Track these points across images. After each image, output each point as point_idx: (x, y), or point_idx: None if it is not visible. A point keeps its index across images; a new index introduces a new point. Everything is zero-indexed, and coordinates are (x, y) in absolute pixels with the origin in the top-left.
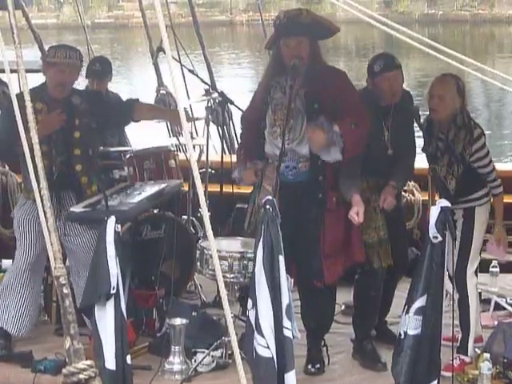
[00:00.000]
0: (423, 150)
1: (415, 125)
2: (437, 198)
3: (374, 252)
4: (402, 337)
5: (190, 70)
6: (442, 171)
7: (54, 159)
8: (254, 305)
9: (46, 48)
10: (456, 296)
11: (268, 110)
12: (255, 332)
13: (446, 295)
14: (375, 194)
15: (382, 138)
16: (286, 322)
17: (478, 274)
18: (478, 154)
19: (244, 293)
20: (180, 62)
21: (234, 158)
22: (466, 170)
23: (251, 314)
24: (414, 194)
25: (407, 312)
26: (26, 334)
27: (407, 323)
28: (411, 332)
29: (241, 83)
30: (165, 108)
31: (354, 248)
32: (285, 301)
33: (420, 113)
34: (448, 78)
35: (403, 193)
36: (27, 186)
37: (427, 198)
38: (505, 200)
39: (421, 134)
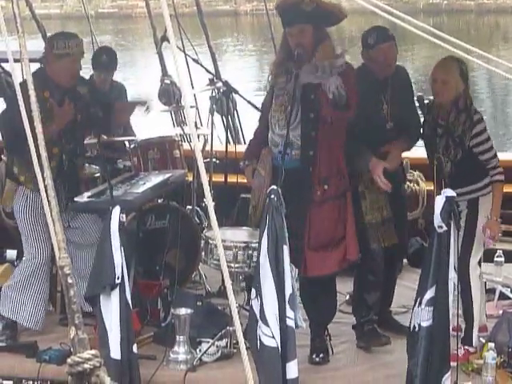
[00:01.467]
0: (422, 137)
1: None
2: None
3: (375, 234)
4: (417, 329)
5: (194, 60)
6: (438, 153)
7: (63, 148)
8: (258, 294)
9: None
10: (459, 286)
11: (273, 98)
12: (260, 321)
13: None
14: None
15: (380, 112)
16: (289, 312)
17: (483, 264)
18: (477, 138)
19: (249, 282)
20: (184, 52)
21: (239, 148)
22: (467, 157)
23: (255, 304)
24: (418, 184)
25: (420, 304)
26: (41, 327)
27: (420, 315)
28: (424, 324)
29: (245, 73)
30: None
31: (349, 246)
32: (288, 290)
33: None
34: (450, 61)
35: (408, 183)
36: (32, 176)
37: (432, 187)
38: (506, 190)
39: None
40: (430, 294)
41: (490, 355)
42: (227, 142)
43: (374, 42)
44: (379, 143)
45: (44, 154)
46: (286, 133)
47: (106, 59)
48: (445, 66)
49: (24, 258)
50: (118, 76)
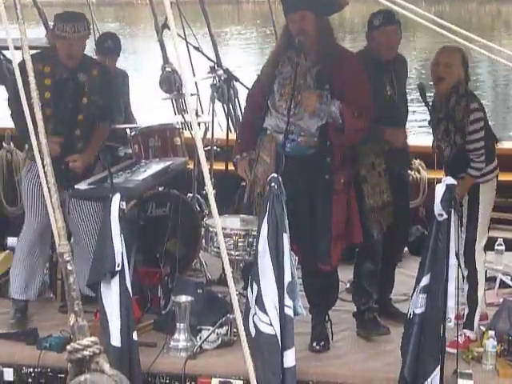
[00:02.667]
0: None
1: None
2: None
3: (375, 218)
4: (411, 317)
5: (195, 47)
6: (437, 138)
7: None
8: (255, 281)
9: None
10: (465, 272)
11: (275, 84)
12: (256, 309)
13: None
14: (379, 158)
15: (384, 93)
16: (287, 301)
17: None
18: (475, 125)
19: (247, 271)
20: (185, 39)
21: None
22: (465, 145)
23: (249, 292)
24: (419, 172)
25: (416, 291)
26: (34, 297)
27: (414, 303)
28: (417, 311)
29: (246, 60)
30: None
31: (354, 229)
32: (287, 279)
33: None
34: (453, 48)
35: (409, 171)
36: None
37: (433, 175)
38: (505, 178)
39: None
40: (424, 281)
41: (490, 343)
42: (228, 129)
43: (379, 24)
44: (389, 118)
45: (44, 141)
46: (293, 121)
47: (110, 44)
48: (447, 50)
49: (23, 229)
50: (119, 63)
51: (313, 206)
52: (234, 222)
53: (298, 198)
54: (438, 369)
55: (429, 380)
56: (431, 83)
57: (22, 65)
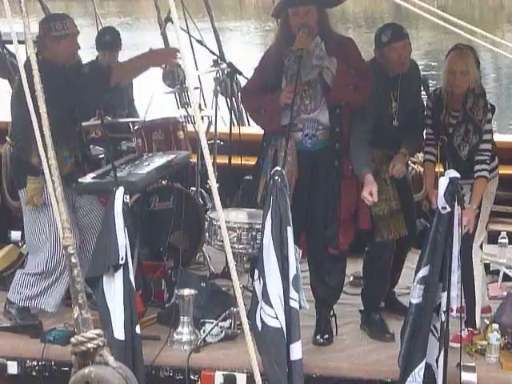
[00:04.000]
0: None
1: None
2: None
3: (384, 224)
4: (407, 306)
5: (198, 41)
6: (456, 140)
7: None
8: (261, 275)
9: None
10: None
11: (283, 81)
12: (262, 302)
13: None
14: (384, 164)
15: (389, 109)
16: (293, 293)
17: (487, 246)
18: (489, 125)
19: (253, 264)
20: (188, 33)
21: (243, 130)
22: (478, 145)
23: (257, 285)
24: (423, 166)
25: (414, 281)
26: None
27: (412, 292)
28: (414, 301)
29: (249, 53)
30: (141, 54)
31: (361, 215)
32: (292, 272)
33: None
34: (466, 51)
35: (412, 164)
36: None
37: (436, 169)
38: (508, 171)
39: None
40: (423, 272)
41: (494, 336)
42: (231, 123)
43: (387, 40)
44: (384, 141)
45: (48, 133)
46: (312, 116)
47: (109, 39)
48: (462, 56)
49: (44, 248)
50: (122, 57)
51: (325, 192)
52: (237, 216)
53: (314, 189)
54: (424, 363)
55: (416, 370)
56: (434, 72)
57: (28, 65)
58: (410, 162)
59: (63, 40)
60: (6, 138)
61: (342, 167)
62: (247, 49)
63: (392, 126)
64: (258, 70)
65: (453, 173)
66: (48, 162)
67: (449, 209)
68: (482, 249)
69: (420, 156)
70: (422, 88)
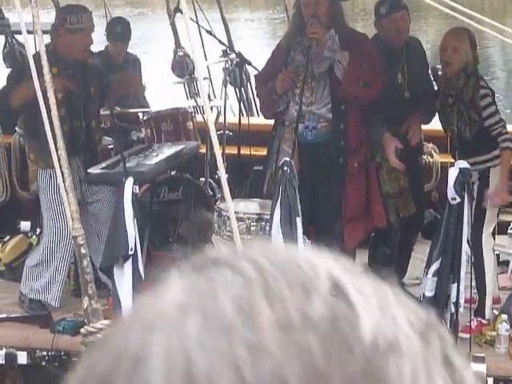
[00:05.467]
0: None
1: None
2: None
3: (392, 204)
4: (421, 299)
5: (207, 31)
6: (456, 121)
7: (77, 123)
8: None
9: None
10: (472, 258)
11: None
12: None
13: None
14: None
15: (395, 81)
16: None
17: (497, 236)
18: (485, 100)
19: None
20: (197, 23)
21: (252, 120)
22: (477, 123)
23: None
24: (432, 156)
25: (426, 274)
26: (58, 303)
27: (425, 285)
28: (428, 293)
29: (258, 43)
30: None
31: (374, 212)
32: None
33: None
34: (461, 30)
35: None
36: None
37: (446, 159)
38: None
39: None
40: (436, 265)
41: (504, 327)
42: (240, 113)
43: (386, 12)
44: (397, 113)
45: (57, 123)
46: (311, 109)
47: (120, 30)
48: (455, 33)
49: (44, 237)
50: (131, 47)
51: (328, 188)
52: (246, 206)
53: (316, 183)
54: None
55: None
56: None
57: (37, 57)
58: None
59: (77, 34)
60: (16, 128)
61: (347, 164)
62: (256, 39)
63: (404, 98)
64: (269, 60)
65: (462, 163)
66: (57, 152)
67: (459, 199)
68: (494, 238)
69: (429, 146)
70: (433, 78)
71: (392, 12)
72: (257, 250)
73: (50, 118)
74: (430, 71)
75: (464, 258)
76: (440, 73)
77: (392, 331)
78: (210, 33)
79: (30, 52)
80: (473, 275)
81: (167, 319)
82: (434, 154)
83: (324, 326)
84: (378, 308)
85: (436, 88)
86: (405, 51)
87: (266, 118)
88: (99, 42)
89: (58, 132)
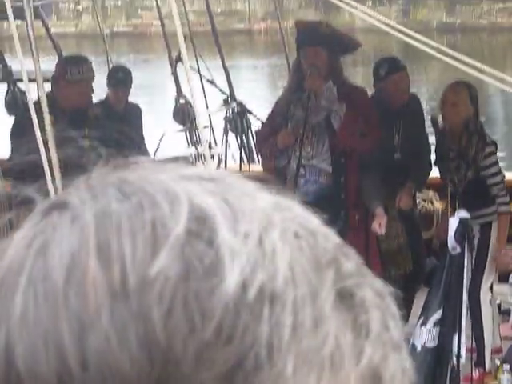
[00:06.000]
0: (435, 163)
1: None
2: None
3: (392, 260)
4: (419, 349)
5: (208, 81)
6: (455, 178)
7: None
8: None
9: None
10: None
11: (287, 126)
12: None
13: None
14: (392, 200)
15: (391, 142)
16: None
17: (499, 285)
18: (489, 159)
19: None
20: (199, 72)
21: (253, 167)
22: (479, 179)
23: None
24: (433, 203)
25: (424, 324)
26: None
27: (424, 336)
28: (429, 344)
29: (259, 91)
30: None
31: (371, 260)
32: None
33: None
34: (460, 84)
35: (423, 202)
36: None
37: (446, 207)
38: None
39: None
40: (437, 315)
41: (505, 377)
42: (241, 160)
43: (385, 73)
44: (385, 174)
45: (58, 175)
46: (312, 163)
47: (121, 76)
48: (454, 88)
49: None
50: (132, 95)
51: None
52: None
53: None
54: None
55: None
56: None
57: (38, 105)
58: (419, 200)
59: (77, 84)
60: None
61: (348, 217)
62: (257, 85)
63: (393, 160)
64: (269, 116)
65: (463, 213)
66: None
67: (459, 249)
68: (492, 291)
69: (430, 193)
70: (432, 126)
71: (391, 73)
72: (111, 184)
73: (51, 172)
74: (428, 123)
75: (465, 308)
76: (440, 122)
77: (268, 276)
78: (211, 82)
79: (31, 99)
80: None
81: (1, 285)
82: (434, 201)
83: (169, 291)
84: (256, 245)
85: (435, 140)
86: (403, 112)
87: (268, 173)
88: (102, 89)
89: (59, 183)
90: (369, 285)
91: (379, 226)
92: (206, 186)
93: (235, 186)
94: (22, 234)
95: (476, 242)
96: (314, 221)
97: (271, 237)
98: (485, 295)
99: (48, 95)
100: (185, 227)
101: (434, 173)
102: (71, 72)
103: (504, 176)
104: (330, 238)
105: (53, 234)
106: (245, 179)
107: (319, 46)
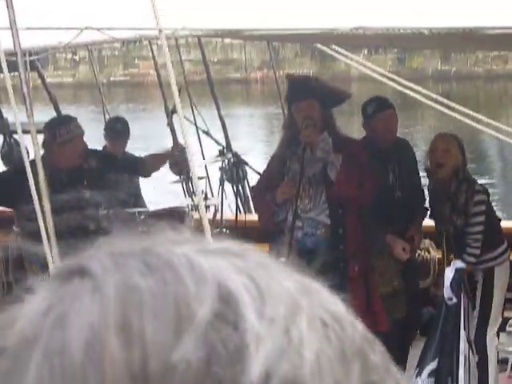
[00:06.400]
0: (430, 216)
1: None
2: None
3: (387, 305)
4: None
5: (204, 132)
6: (443, 224)
7: (67, 222)
8: None
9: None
10: (476, 358)
11: (284, 181)
12: None
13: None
14: (387, 246)
15: (387, 181)
16: None
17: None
18: (477, 207)
19: None
20: (195, 124)
21: (249, 217)
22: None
23: None
24: (429, 252)
25: (419, 374)
26: None
27: None
28: None
29: (255, 140)
30: (163, 151)
31: (378, 317)
32: None
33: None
34: (449, 135)
35: (419, 250)
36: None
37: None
38: None
39: None
40: (432, 365)
41: None
42: (237, 209)
43: (372, 112)
44: (389, 213)
45: (52, 231)
46: (310, 216)
47: (119, 127)
48: (444, 136)
49: None
50: (129, 146)
51: None
52: None
53: None
54: None
55: None
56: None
57: (34, 165)
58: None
59: (68, 144)
60: (14, 227)
61: (347, 269)
62: (253, 134)
63: (395, 198)
64: (264, 172)
65: (458, 263)
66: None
67: (455, 300)
68: (498, 337)
69: (426, 242)
70: (427, 176)
71: (379, 111)
72: (134, 254)
73: (45, 225)
74: (424, 169)
75: (462, 358)
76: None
77: (293, 366)
78: (206, 133)
79: (24, 151)
80: (471, 375)
81: (12, 356)
82: (430, 249)
83: (191, 378)
84: (282, 332)
85: (428, 189)
86: (394, 152)
87: (266, 228)
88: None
89: (53, 238)
90: (393, 380)
91: (403, 250)
92: (233, 262)
93: (261, 262)
94: (38, 300)
95: (480, 287)
96: (340, 307)
97: (298, 324)
98: (491, 341)
99: (42, 156)
100: (210, 309)
101: (429, 221)
102: (60, 134)
103: (482, 228)
104: (356, 326)
105: (72, 304)
106: (269, 255)
107: (312, 99)
